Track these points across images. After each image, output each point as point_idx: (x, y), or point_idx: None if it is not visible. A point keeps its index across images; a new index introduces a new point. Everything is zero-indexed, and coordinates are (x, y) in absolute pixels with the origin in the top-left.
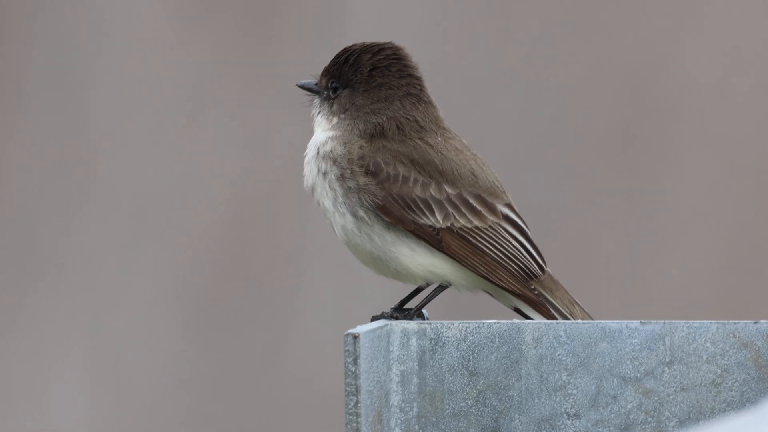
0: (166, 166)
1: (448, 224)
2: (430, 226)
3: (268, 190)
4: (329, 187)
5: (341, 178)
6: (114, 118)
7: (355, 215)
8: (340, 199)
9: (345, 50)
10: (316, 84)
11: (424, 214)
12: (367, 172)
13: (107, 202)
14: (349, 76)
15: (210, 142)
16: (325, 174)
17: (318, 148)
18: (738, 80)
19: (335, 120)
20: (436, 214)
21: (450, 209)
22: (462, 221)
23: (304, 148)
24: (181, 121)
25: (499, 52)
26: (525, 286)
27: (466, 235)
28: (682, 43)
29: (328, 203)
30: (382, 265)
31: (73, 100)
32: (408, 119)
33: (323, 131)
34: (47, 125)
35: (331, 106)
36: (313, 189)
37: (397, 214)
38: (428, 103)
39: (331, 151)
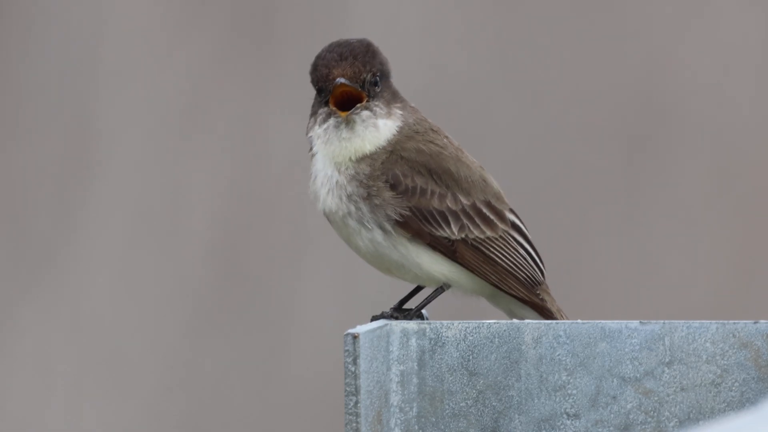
0: (165, 167)
1: (463, 236)
2: (446, 238)
3: (267, 190)
4: (355, 208)
5: (368, 197)
6: (113, 118)
7: (382, 228)
8: (368, 216)
9: (363, 41)
10: (351, 81)
11: (441, 226)
12: (389, 186)
13: (107, 203)
14: (386, 67)
15: (209, 143)
16: (350, 197)
17: (344, 174)
18: (739, 83)
19: (396, 113)
20: (452, 226)
21: (465, 221)
22: (476, 232)
23: (302, 149)
24: (178, 122)
25: (500, 53)
26: (532, 293)
27: (479, 246)
28: (683, 45)
29: (352, 222)
30: (404, 271)
31: (72, 101)
32: (422, 118)
33: (378, 142)
34: (47, 126)
35: (383, 100)
36: (333, 213)
37: (415, 227)
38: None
39: (357, 174)
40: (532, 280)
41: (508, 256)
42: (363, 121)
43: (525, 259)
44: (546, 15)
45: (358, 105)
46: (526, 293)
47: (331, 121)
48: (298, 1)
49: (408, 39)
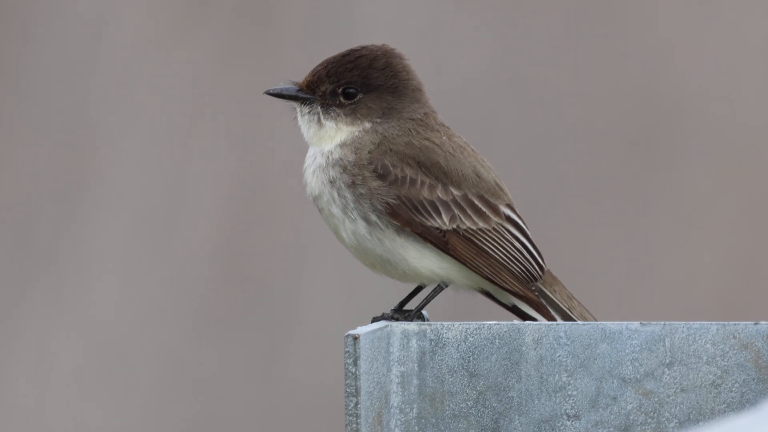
0: (166, 168)
1: (454, 226)
2: (437, 228)
3: (268, 191)
4: (338, 194)
5: (352, 185)
6: (114, 119)
7: (367, 220)
8: (351, 205)
9: (357, 53)
10: (300, 90)
11: (431, 216)
12: (377, 176)
13: (109, 204)
14: (379, 80)
15: (209, 144)
16: (333, 182)
17: (327, 157)
18: (740, 83)
19: (364, 126)
20: (443, 215)
21: (456, 211)
22: (467, 223)
23: (304, 149)
24: (180, 122)
25: (502, 54)
26: (527, 287)
27: (471, 237)
28: (685, 45)
29: (336, 210)
30: (389, 267)
31: (74, 101)
32: (420, 119)
33: (336, 139)
34: (49, 125)
35: (353, 112)
36: (318, 198)
37: (405, 216)
38: (428, 103)
39: (341, 159)
40: (528, 275)
41: (501, 248)
42: (309, 114)
43: (520, 252)
44: (548, 16)
45: (310, 97)
46: (520, 287)
47: (296, 104)
48: (301, 1)
49: (410, 40)
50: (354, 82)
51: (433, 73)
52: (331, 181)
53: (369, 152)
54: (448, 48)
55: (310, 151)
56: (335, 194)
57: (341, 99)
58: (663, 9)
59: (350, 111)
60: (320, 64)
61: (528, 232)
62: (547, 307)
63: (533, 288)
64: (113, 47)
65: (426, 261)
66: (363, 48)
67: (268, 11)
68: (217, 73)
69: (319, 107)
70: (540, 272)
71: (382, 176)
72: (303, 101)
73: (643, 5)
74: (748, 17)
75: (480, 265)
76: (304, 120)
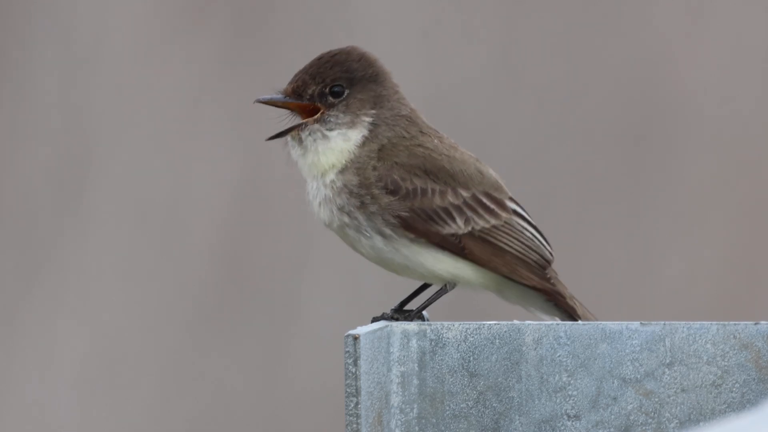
0: (166, 170)
1: (470, 228)
2: (453, 235)
3: (268, 192)
4: (349, 218)
5: (361, 206)
6: (113, 121)
7: (382, 234)
8: (365, 224)
9: (331, 53)
10: (287, 96)
11: (446, 223)
12: (388, 192)
13: (108, 204)
14: (360, 71)
15: (209, 146)
16: (341, 208)
17: (331, 187)
18: (740, 82)
19: (362, 121)
20: (458, 220)
21: (469, 213)
22: (481, 223)
23: None
24: (180, 124)
25: (502, 53)
26: (543, 278)
27: (486, 237)
28: (685, 44)
29: (350, 231)
30: (410, 271)
31: (73, 102)
32: (407, 116)
33: (341, 157)
34: (47, 126)
35: (347, 108)
36: (329, 224)
37: (421, 228)
38: (409, 103)
39: (345, 186)
40: (543, 261)
41: (515, 241)
42: (310, 135)
43: (532, 240)
44: (548, 16)
45: (304, 122)
46: (537, 280)
47: (288, 140)
48: (299, 2)
49: (411, 40)
50: (339, 78)
51: (434, 73)
52: (340, 208)
53: (374, 168)
54: (448, 48)
55: (312, 183)
56: (346, 219)
57: (330, 99)
58: (661, 9)
59: (344, 108)
60: (300, 71)
61: (533, 222)
62: (563, 295)
63: (548, 277)
64: (113, 48)
65: (442, 264)
66: (332, 49)
67: (267, 13)
68: (218, 74)
69: (315, 124)
70: (551, 256)
71: (393, 192)
72: (299, 127)
73: (642, 5)
74: (747, 16)
75: (497, 264)
76: (307, 142)
